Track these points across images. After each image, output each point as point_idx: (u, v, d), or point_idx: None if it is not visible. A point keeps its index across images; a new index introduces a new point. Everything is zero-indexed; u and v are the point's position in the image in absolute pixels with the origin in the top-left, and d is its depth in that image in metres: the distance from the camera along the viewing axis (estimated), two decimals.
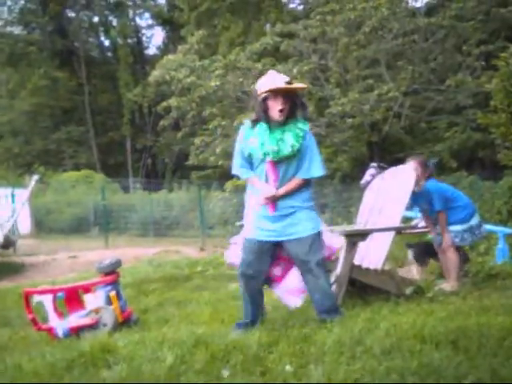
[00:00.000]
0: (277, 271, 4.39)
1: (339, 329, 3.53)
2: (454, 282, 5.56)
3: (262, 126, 4.10)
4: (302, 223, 4.08)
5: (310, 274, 4.06)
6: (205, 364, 3.13)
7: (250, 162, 4.19)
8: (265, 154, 4.06)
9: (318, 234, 4.13)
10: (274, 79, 4.10)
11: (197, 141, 17.37)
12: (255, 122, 4.14)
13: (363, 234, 5.00)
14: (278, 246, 4.18)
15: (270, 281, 4.46)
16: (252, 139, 4.11)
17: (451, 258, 5.70)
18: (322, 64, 18.03)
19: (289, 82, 4.08)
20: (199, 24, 27.86)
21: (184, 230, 18.94)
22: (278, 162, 4.07)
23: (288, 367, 2.97)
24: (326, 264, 4.21)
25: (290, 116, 4.08)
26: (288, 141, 4.03)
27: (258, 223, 4.18)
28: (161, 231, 19.15)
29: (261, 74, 17.26)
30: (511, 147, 10.41)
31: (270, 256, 4.22)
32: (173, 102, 18.01)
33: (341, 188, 17.11)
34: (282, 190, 4.08)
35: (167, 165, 36.38)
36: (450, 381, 2.62)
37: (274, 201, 4.09)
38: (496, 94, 10.56)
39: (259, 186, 4.15)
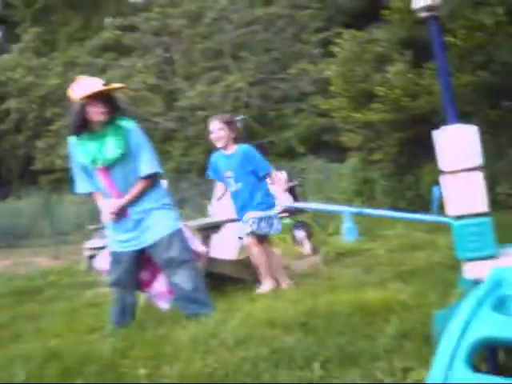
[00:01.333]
0: (145, 275, 4.27)
1: (194, 325, 3.50)
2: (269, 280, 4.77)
3: (84, 136, 3.96)
4: (157, 225, 4.00)
5: (172, 274, 4.00)
6: (57, 378, 3.00)
7: (88, 175, 4.06)
8: (92, 163, 3.94)
9: (176, 233, 4.04)
10: (88, 85, 3.95)
11: (40, 144, 16.58)
12: (77, 134, 4.00)
13: (215, 227, 5.02)
14: (142, 251, 4.08)
15: (139, 285, 4.36)
16: (78, 152, 4.00)
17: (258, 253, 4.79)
18: (166, 57, 17.92)
19: (105, 85, 3.98)
20: (36, 21, 26.52)
21: (36, 238, 17.98)
22: (111, 167, 3.94)
23: (142, 370, 2.90)
24: (189, 262, 4.05)
25: (110, 118, 3.95)
26: (110, 144, 3.91)
27: (115, 235, 4.10)
28: (10, 242, 18.05)
29: (103, 68, 16.91)
30: (352, 130, 10.95)
31: (137, 263, 4.12)
32: (12, 103, 17.04)
33: (198, 181, 17.11)
34: (125, 199, 3.97)
35: (13, 171, 34.33)
36: (300, 363, 2.66)
37: (121, 210, 3.99)
38: (335, 80, 11.05)
39: (100, 204, 4.09)
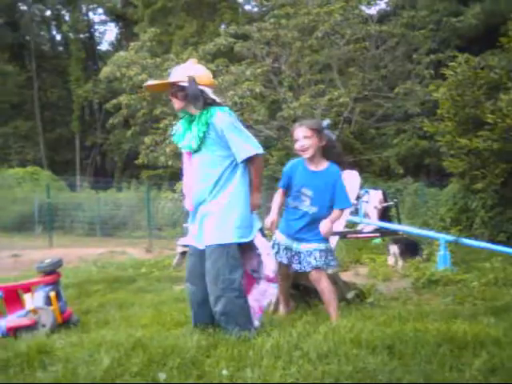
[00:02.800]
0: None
1: (278, 332, 3.52)
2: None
3: (184, 118, 4.04)
4: (211, 231, 3.81)
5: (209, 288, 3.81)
6: (141, 367, 3.09)
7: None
8: (180, 147, 4.01)
9: (225, 248, 3.75)
10: (173, 73, 4.00)
11: (147, 140, 17.15)
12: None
13: None
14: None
15: None
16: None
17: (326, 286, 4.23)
18: (275, 67, 18.13)
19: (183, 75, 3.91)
20: (153, 21, 27.67)
21: (131, 230, 18.72)
22: (195, 152, 3.91)
23: (224, 371, 2.95)
24: (229, 285, 3.73)
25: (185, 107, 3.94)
26: (191, 133, 3.89)
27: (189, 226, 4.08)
28: (107, 231, 18.90)
29: (214, 74, 17.31)
30: (456, 155, 10.64)
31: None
32: (123, 99, 17.75)
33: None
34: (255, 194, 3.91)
35: (117, 163, 35.91)
36: None
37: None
38: (443, 103, 10.78)
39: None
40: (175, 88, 3.91)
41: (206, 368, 3.04)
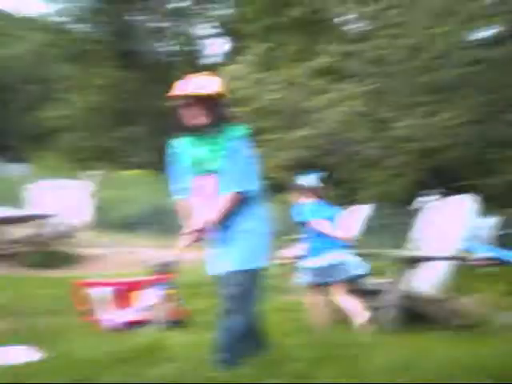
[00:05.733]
0: None
1: (384, 354, 3.48)
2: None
3: (189, 138, 3.60)
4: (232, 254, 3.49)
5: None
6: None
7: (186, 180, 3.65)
8: (193, 169, 3.56)
9: (249, 274, 3.41)
10: (186, 83, 3.51)
11: None
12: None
13: (416, 260, 4.98)
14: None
15: None
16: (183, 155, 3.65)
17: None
18: (379, 87, 17.90)
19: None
20: (261, 37, 28.14)
21: None
22: (207, 175, 3.51)
23: None
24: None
25: (212, 123, 3.46)
26: (207, 153, 3.48)
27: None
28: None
29: (316, 91, 17.34)
30: None
31: None
32: None
33: (391, 212, 16.82)
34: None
35: None
36: None
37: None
38: None
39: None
40: (202, 102, 3.49)
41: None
